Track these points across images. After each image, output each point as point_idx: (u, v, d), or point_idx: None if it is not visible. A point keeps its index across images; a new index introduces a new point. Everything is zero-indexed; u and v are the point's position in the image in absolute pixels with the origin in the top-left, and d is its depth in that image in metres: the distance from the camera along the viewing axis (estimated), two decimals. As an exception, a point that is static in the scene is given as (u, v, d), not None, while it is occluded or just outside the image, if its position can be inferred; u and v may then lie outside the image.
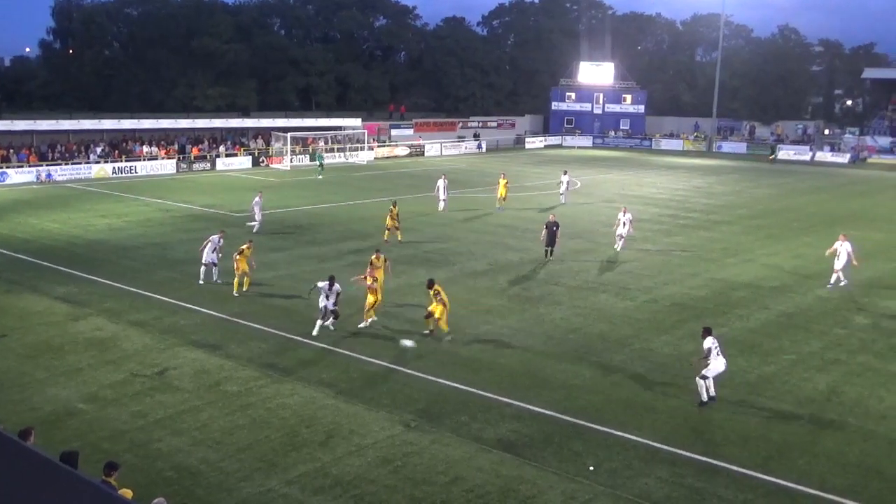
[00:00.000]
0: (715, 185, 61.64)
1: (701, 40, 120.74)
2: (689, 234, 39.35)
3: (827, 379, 20.16)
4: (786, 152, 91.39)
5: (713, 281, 30.12)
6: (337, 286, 22.30)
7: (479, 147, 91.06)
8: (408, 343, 21.93)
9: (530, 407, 17.83)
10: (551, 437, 16.46)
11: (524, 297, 27.29)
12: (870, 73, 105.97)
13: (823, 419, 17.76)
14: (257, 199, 37.72)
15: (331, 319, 22.44)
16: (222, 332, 22.75)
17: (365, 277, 23.45)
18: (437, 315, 22.06)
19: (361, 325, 22.99)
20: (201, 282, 27.51)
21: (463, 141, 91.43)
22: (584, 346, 22.33)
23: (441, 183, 44.82)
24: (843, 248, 29.34)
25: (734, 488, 14.57)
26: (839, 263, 29.12)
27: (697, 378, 18.05)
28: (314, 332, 22.23)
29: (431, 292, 22.39)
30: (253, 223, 37.35)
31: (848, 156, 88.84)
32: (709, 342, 18.22)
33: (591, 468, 15.14)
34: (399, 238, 35.19)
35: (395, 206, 35.82)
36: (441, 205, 44.15)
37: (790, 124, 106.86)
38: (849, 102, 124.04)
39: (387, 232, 35.45)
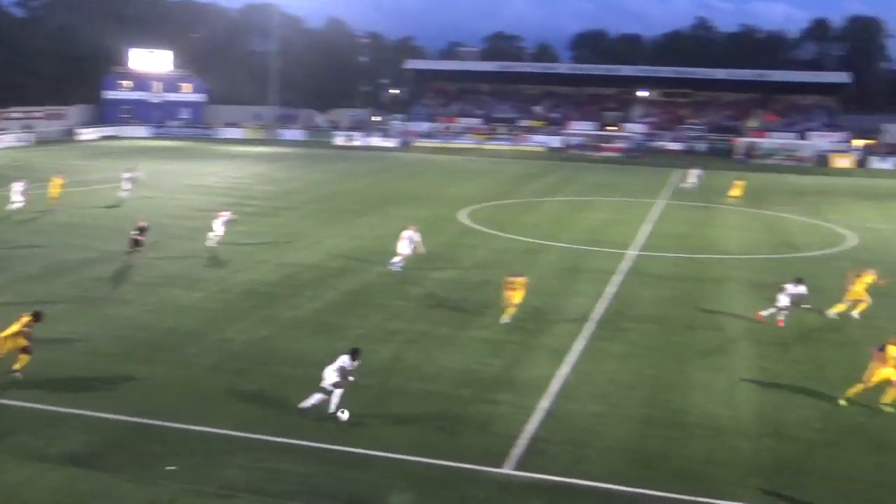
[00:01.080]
0: (276, 172, 63.13)
1: (256, 30, 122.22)
2: (255, 222, 39.88)
3: (391, 348, 21.77)
4: (341, 139, 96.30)
5: (282, 266, 30.91)
6: None
7: (28, 139, 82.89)
8: None
9: (101, 414, 16.83)
10: (125, 442, 15.73)
11: (89, 298, 25.64)
12: (411, 64, 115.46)
13: (389, 385, 19.17)
14: None
15: None
16: None
17: None
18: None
19: None
20: None
21: (6, 133, 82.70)
22: (156, 343, 21.63)
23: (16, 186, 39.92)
24: (409, 237, 30.96)
25: (312, 463, 15.16)
26: (405, 250, 30.75)
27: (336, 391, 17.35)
28: None
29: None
30: None
31: (396, 140, 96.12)
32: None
33: (172, 468, 14.77)
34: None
35: None
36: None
37: (344, 111, 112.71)
38: (394, 91, 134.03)
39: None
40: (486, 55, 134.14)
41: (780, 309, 24.80)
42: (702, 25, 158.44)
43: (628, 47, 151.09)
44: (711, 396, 19.19)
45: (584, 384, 19.66)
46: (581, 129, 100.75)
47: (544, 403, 18.34)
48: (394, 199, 49.82)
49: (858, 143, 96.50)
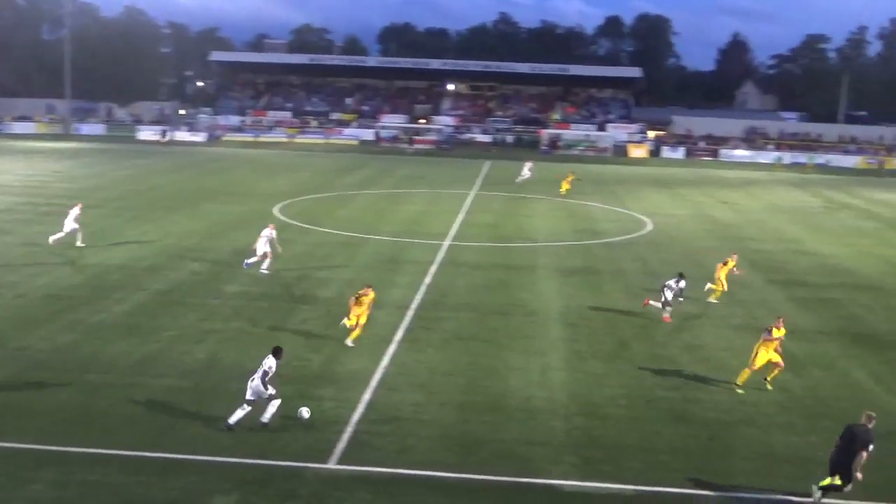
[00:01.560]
0: (76, 169, 59.75)
1: (46, 18, 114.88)
2: (54, 223, 37.47)
3: (206, 348, 21.18)
4: (146, 133, 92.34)
5: (87, 267, 29.34)
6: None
7: None
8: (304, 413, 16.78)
9: None
10: (-84, 464, 14.49)
11: None
12: (216, 55, 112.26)
13: (206, 386, 18.65)
14: None
15: None
16: None
17: None
18: None
19: None
20: None
21: None
22: (-54, 356, 20.01)
23: None
24: (268, 235, 29.78)
25: (126, 472, 14.53)
26: (264, 248, 29.55)
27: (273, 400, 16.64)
28: None
29: None
30: None
31: (204, 135, 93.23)
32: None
33: (-30, 488, 13.75)
34: None
35: None
36: None
37: (147, 105, 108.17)
38: (199, 83, 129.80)
39: None
40: (294, 47, 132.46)
41: (665, 304, 25.00)
42: (505, 21, 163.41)
43: (435, 41, 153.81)
44: (527, 379, 19.93)
45: (404, 374, 19.91)
46: (392, 122, 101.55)
47: (367, 396, 18.43)
48: (205, 194, 48.36)
49: (652, 133, 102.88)
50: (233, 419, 16.28)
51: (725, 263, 28.20)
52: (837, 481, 14.26)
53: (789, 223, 46.79)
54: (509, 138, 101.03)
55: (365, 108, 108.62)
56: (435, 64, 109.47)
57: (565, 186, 54.89)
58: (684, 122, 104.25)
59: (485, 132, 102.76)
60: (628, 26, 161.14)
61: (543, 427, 17.24)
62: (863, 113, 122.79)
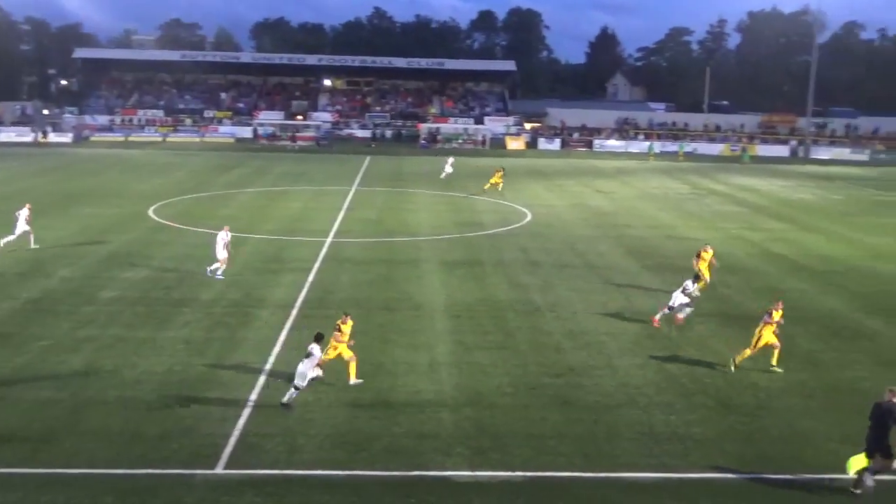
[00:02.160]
0: (-68, 174, 56.36)
1: None
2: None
3: (82, 357, 20.38)
4: (7, 135, 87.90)
5: (-54, 278, 27.76)
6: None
7: None
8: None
9: None
10: None
11: None
12: (81, 52, 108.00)
13: (84, 396, 17.96)
14: None
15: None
16: None
17: None
18: None
19: None
20: None
21: None
22: None
23: None
24: (223, 239, 28.75)
25: (3, 491, 13.89)
26: (223, 254, 28.64)
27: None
28: None
29: None
30: None
31: (71, 135, 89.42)
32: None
33: None
34: None
35: None
36: None
37: (9, 105, 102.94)
38: (64, 82, 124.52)
39: None
40: (163, 43, 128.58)
41: (682, 305, 24.04)
42: (379, 15, 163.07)
43: (310, 36, 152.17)
44: (415, 374, 20.03)
45: (291, 374, 19.66)
46: (269, 118, 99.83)
47: (253, 397, 18.16)
48: (75, 197, 46.44)
49: (529, 126, 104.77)
50: (286, 398, 17.61)
51: (700, 256, 28.61)
52: (866, 462, 14.55)
53: (661, 210, 48.50)
54: (388, 133, 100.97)
55: (240, 105, 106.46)
56: (311, 60, 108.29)
57: (495, 181, 53.51)
58: (559, 114, 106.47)
59: (364, 127, 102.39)
60: (501, 20, 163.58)
61: (433, 420, 17.37)
62: (724, 102, 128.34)
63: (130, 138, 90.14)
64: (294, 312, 24.86)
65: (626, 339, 23.13)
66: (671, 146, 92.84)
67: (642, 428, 17.29)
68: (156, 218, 40.64)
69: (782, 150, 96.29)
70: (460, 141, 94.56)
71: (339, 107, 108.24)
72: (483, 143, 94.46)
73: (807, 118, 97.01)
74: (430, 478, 14.96)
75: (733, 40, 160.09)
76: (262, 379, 19.25)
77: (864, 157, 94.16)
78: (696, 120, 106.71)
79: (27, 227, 32.39)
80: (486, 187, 53.14)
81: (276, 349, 21.44)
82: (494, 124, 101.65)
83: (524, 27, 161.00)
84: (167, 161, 70.41)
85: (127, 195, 48.09)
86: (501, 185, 53.63)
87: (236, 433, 16.34)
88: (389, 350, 21.74)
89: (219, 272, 28.58)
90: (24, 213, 32.50)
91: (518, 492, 14.56)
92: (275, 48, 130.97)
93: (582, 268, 31.92)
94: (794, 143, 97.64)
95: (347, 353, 19.36)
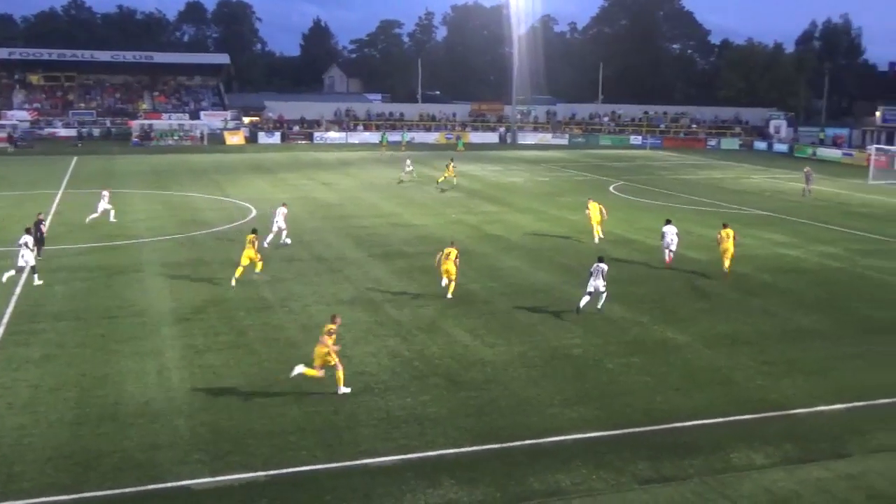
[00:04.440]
0: None
1: None
2: None
3: None
4: None
5: None
6: None
7: None
8: None
9: None
10: None
11: None
12: None
13: None
14: None
15: None
16: None
17: None
18: None
19: None
20: None
21: None
22: None
23: None
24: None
25: None
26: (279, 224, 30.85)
27: None
28: None
29: None
30: None
31: None
32: None
33: None
34: None
35: None
36: None
37: None
38: None
39: None
40: None
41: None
42: (76, 6, 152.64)
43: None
44: (143, 383, 19.08)
45: (2, 397, 18.03)
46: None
47: (-42, 428, 16.43)
48: None
49: (248, 120, 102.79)
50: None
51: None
52: None
53: (384, 199, 49.62)
54: (96, 131, 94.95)
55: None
56: (1, 53, 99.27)
57: (448, 173, 55.28)
58: (277, 108, 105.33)
59: (68, 126, 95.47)
60: (211, 12, 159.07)
61: (167, 429, 16.66)
62: (437, 92, 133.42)
63: None
64: (0, 330, 22.77)
65: (359, 328, 23.47)
66: (395, 136, 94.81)
67: (380, 413, 17.66)
68: None
69: (492, 137, 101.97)
70: (176, 138, 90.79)
71: (37, 104, 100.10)
72: (201, 139, 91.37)
73: (512, 106, 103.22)
74: (167, 489, 14.35)
75: (440, 33, 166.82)
76: (-33, 406, 17.47)
77: (563, 141, 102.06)
78: (411, 110, 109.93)
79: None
80: (440, 181, 55.48)
81: (-17, 372, 19.52)
82: (211, 119, 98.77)
83: (235, 19, 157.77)
84: None
85: None
86: (454, 175, 55.87)
87: (-59, 469, 14.74)
88: (114, 360, 20.54)
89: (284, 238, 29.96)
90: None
91: (261, 492, 14.35)
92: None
93: (311, 260, 31.96)
94: (502, 129, 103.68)
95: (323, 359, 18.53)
